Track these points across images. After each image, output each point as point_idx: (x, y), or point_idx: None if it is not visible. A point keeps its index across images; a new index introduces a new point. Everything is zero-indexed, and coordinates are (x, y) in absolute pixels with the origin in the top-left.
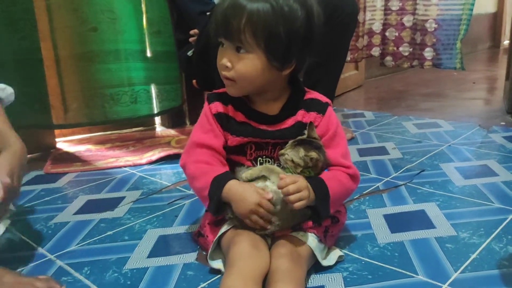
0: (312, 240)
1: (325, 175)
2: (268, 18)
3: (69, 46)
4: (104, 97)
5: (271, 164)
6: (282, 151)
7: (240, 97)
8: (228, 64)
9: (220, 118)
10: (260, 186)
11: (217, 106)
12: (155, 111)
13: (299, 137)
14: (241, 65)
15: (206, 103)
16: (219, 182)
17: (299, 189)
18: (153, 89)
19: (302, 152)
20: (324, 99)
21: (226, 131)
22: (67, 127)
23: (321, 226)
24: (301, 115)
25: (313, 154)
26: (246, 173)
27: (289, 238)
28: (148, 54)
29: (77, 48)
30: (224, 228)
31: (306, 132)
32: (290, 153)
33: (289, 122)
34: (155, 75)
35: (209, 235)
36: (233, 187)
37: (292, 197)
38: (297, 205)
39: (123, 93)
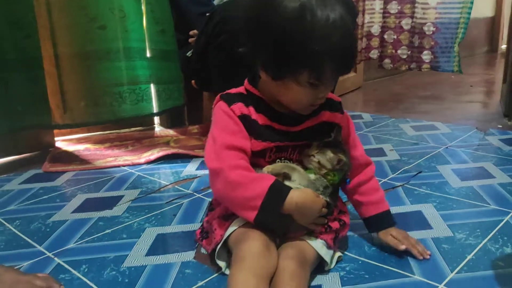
0: (321, 246)
1: (382, 202)
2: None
3: (77, 44)
4: (114, 95)
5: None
6: (308, 152)
7: (260, 97)
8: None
9: (245, 121)
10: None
11: (241, 108)
12: (160, 110)
13: (326, 140)
14: (330, 89)
15: (224, 104)
16: (278, 193)
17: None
18: (158, 88)
19: (330, 154)
20: (335, 97)
21: (250, 135)
22: (73, 127)
23: (332, 232)
24: (325, 116)
25: (342, 156)
26: (267, 167)
27: (298, 241)
28: (154, 53)
29: (86, 46)
30: (233, 227)
31: (333, 135)
32: (317, 155)
33: (311, 122)
34: (160, 73)
35: (217, 229)
36: (298, 198)
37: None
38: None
39: (131, 91)
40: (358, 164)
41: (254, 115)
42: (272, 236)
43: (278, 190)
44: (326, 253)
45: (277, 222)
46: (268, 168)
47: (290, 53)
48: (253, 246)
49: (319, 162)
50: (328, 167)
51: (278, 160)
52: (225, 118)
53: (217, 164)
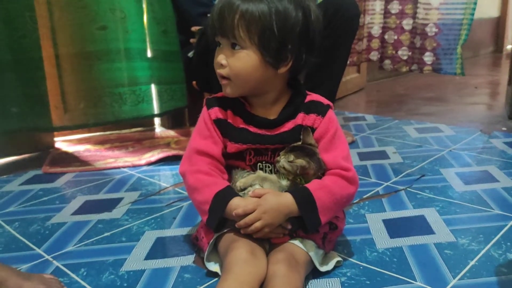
0: (310, 246)
1: (314, 185)
2: (261, 13)
3: (78, 44)
4: (114, 96)
5: (271, 169)
6: (278, 157)
7: (239, 101)
8: (223, 62)
9: (220, 124)
10: (247, 190)
11: (217, 112)
12: (162, 111)
13: (294, 144)
14: (236, 61)
15: (204, 108)
16: (221, 199)
17: (249, 222)
18: (160, 89)
19: (292, 159)
20: (325, 101)
21: (225, 138)
22: (72, 129)
23: (319, 233)
24: (301, 118)
25: (300, 161)
26: (240, 181)
27: (287, 245)
28: (155, 53)
29: (86, 46)
30: (217, 233)
31: (301, 138)
32: (282, 160)
33: (289, 125)
34: (162, 74)
35: (205, 237)
36: (236, 206)
37: (248, 229)
38: (250, 230)
39: (131, 92)
40: (327, 169)
41: (230, 118)
42: (259, 242)
43: (222, 197)
44: (315, 253)
45: (226, 226)
46: (240, 182)
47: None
48: (238, 254)
49: (284, 167)
50: (292, 172)
51: (259, 163)
52: (201, 123)
53: (182, 168)
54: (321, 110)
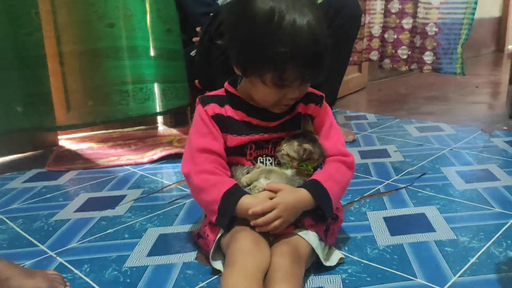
0: (313, 239)
1: (321, 176)
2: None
3: (86, 41)
4: (121, 94)
5: (271, 163)
6: (279, 147)
7: (238, 96)
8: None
9: (218, 120)
10: (253, 184)
11: (214, 108)
12: (166, 109)
13: (295, 132)
14: (302, 93)
15: (199, 106)
16: (231, 198)
17: (268, 220)
18: (164, 87)
19: (296, 144)
20: (318, 92)
21: (224, 133)
22: (79, 127)
23: (322, 224)
24: (300, 107)
25: (307, 145)
26: (245, 177)
27: (291, 236)
28: (160, 52)
29: (94, 43)
30: (222, 231)
31: (301, 125)
32: (286, 147)
33: (289, 115)
34: (166, 72)
35: (209, 234)
36: (247, 205)
37: (267, 228)
38: (269, 229)
39: (138, 90)
40: (327, 155)
41: (230, 112)
42: (263, 232)
43: (231, 196)
44: (318, 246)
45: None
46: (246, 177)
47: (255, 54)
48: (242, 245)
49: (288, 155)
50: (297, 158)
51: (259, 157)
52: (198, 121)
53: (186, 169)
54: (317, 100)
